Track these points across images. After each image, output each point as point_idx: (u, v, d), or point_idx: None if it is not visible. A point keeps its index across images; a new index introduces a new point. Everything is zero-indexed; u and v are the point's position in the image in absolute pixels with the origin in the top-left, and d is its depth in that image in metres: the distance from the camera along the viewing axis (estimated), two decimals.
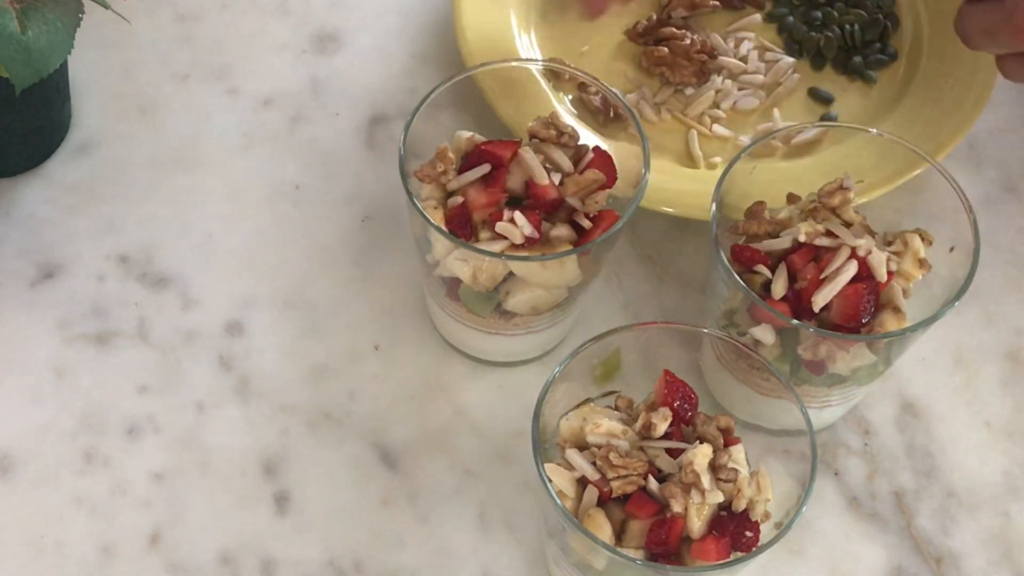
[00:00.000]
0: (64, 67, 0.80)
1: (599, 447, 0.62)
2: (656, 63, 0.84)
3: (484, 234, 0.68)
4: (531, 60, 0.82)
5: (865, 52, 0.86)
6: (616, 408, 0.65)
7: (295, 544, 0.70)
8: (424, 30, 0.88)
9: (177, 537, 0.70)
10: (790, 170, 0.78)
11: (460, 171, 0.69)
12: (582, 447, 0.63)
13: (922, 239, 0.68)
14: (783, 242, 0.68)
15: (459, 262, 0.68)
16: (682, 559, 0.61)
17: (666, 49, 0.83)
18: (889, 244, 0.68)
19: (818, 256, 0.67)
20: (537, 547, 0.71)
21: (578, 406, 0.65)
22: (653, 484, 0.61)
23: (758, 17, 0.88)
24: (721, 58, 0.85)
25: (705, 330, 0.66)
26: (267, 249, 0.80)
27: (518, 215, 0.67)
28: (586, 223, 0.68)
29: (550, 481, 0.61)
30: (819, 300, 0.66)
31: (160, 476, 0.72)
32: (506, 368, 0.76)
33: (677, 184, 0.78)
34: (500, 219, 0.67)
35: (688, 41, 0.84)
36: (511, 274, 0.69)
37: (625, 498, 0.61)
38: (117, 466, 0.72)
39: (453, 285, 0.70)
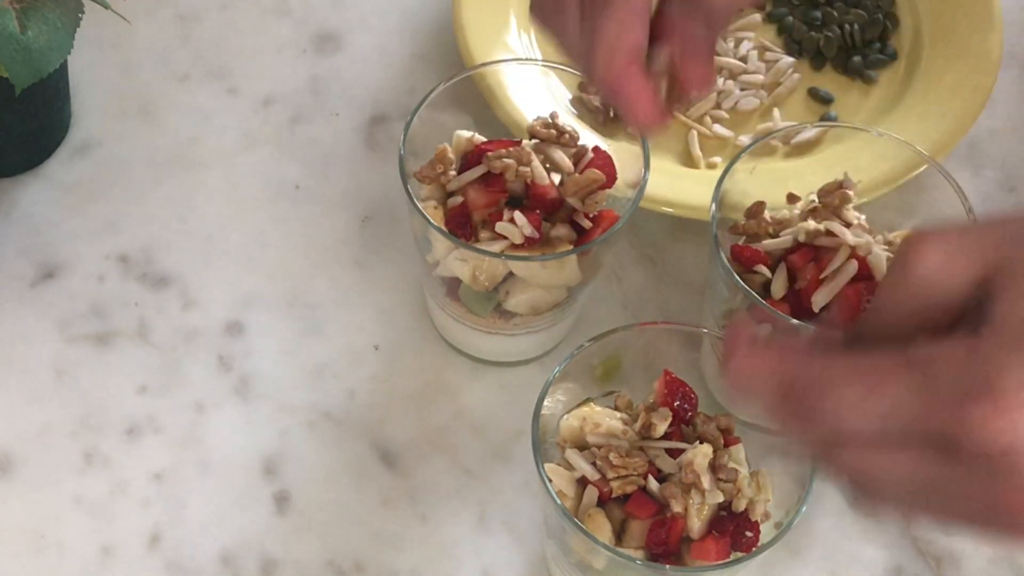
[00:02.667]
0: (64, 67, 0.80)
1: (599, 447, 0.62)
2: None
3: (484, 234, 0.68)
4: (531, 60, 0.82)
5: (865, 52, 0.86)
6: (616, 408, 0.65)
7: (295, 544, 0.70)
8: (424, 30, 0.88)
9: (177, 537, 0.70)
10: (790, 170, 0.78)
11: (460, 171, 0.69)
12: (582, 447, 0.63)
13: None
14: (783, 242, 0.68)
15: (459, 262, 0.68)
16: (682, 559, 0.61)
17: None
18: (889, 244, 0.68)
19: (818, 256, 0.67)
20: (537, 547, 0.71)
21: (578, 406, 0.65)
22: (653, 484, 0.61)
23: (758, 17, 0.88)
24: (721, 58, 0.85)
25: (705, 330, 0.66)
26: (267, 249, 0.80)
27: (518, 215, 0.67)
28: (586, 223, 0.68)
29: (550, 481, 0.61)
30: (819, 300, 0.66)
31: (160, 476, 0.72)
32: (506, 368, 0.76)
33: (677, 184, 0.78)
34: (500, 219, 0.67)
35: None
36: (511, 274, 0.69)
37: (625, 498, 0.61)
38: (117, 466, 0.72)
39: (453, 285, 0.70)
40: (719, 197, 0.68)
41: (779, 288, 0.67)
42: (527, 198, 0.69)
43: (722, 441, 0.62)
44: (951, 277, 0.44)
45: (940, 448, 0.43)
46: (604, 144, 0.71)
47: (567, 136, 0.70)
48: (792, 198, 0.71)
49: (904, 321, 0.45)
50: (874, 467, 0.44)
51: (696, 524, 0.60)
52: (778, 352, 0.46)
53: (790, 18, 0.87)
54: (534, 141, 0.70)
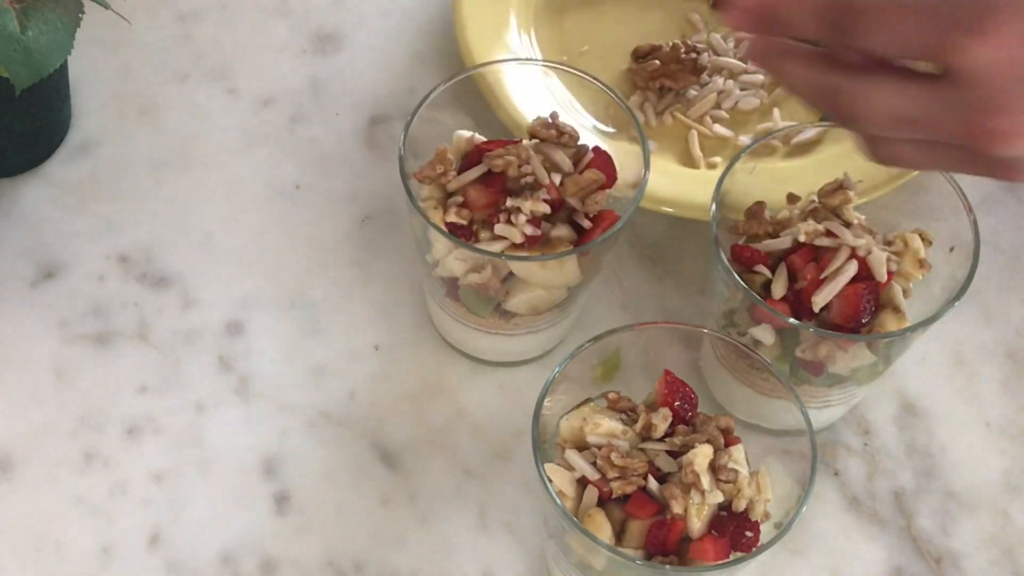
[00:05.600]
0: (64, 67, 0.80)
1: (599, 447, 0.62)
2: (652, 77, 0.83)
3: (484, 234, 0.68)
4: (531, 60, 0.82)
5: None
6: (610, 407, 0.65)
7: (295, 544, 0.70)
8: (424, 30, 0.88)
9: (177, 537, 0.70)
10: (790, 170, 0.78)
11: (460, 171, 0.69)
12: (582, 447, 0.63)
13: (922, 239, 0.68)
14: (783, 242, 0.68)
15: (459, 262, 0.68)
16: (682, 559, 0.61)
17: (657, 62, 0.83)
18: (889, 244, 0.68)
19: (818, 256, 0.67)
20: (537, 547, 0.71)
21: (578, 406, 0.65)
22: (653, 484, 0.61)
23: None
24: (721, 58, 0.85)
25: (705, 330, 0.66)
26: (267, 249, 0.80)
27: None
28: (586, 223, 0.68)
29: (550, 481, 0.61)
30: (819, 300, 0.66)
31: (160, 476, 0.72)
32: (506, 368, 0.76)
33: (677, 184, 0.78)
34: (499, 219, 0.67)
35: (670, 47, 0.83)
36: (511, 274, 0.69)
37: (625, 498, 0.61)
38: (117, 466, 0.72)
39: (453, 285, 0.70)
40: (719, 197, 0.68)
41: (779, 288, 0.67)
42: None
43: (722, 441, 0.62)
44: None
45: (930, 78, 0.51)
46: (604, 144, 0.71)
47: (567, 136, 0.70)
48: (792, 198, 0.71)
49: None
50: (870, 97, 0.53)
51: (696, 524, 0.60)
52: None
53: None
54: (534, 141, 0.70)
